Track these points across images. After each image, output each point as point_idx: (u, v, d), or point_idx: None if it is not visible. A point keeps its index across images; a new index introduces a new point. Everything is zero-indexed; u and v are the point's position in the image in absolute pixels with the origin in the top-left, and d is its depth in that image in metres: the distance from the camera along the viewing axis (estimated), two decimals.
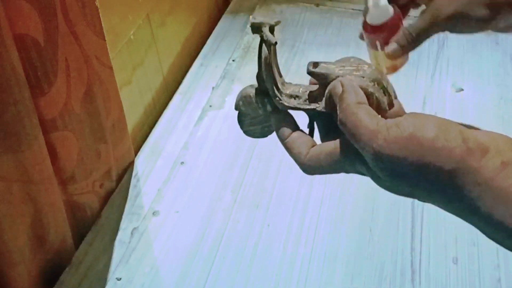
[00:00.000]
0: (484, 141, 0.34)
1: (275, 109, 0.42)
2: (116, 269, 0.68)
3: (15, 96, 0.52)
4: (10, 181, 0.56)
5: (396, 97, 0.42)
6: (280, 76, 0.43)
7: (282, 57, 0.98)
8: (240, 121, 0.45)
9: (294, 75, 0.94)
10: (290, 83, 0.44)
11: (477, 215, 0.34)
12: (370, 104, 0.38)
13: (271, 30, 0.43)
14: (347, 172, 0.39)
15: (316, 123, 0.45)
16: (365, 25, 0.66)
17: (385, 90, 0.40)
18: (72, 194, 0.69)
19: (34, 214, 0.61)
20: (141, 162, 0.81)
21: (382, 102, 0.39)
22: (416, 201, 0.73)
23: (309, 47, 1.00)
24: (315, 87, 0.43)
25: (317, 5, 1.10)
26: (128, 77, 0.83)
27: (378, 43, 0.67)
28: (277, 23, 0.43)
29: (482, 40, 0.99)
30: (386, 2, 0.64)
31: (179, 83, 0.95)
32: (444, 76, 0.88)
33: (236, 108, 0.44)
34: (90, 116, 0.67)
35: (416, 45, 0.56)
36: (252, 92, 0.43)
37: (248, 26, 1.05)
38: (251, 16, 0.42)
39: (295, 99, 0.42)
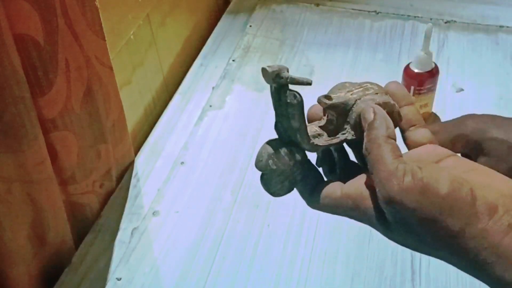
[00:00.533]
0: (493, 200, 0.33)
1: (304, 157, 0.41)
2: (116, 269, 0.68)
3: (15, 96, 0.52)
4: (10, 181, 0.56)
5: (410, 103, 0.43)
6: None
7: (282, 57, 0.98)
8: (267, 182, 0.42)
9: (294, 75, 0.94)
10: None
11: (485, 276, 0.34)
12: (391, 114, 0.40)
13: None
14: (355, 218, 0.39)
15: (338, 155, 0.44)
16: (407, 70, 0.79)
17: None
18: (72, 194, 0.69)
19: (34, 214, 0.61)
20: (141, 162, 0.81)
21: (399, 111, 0.41)
22: None
23: (309, 47, 1.00)
24: (322, 122, 0.43)
25: (317, 5, 1.10)
26: (128, 77, 0.83)
27: (412, 87, 0.78)
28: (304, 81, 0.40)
29: (482, 40, 0.99)
30: (431, 56, 0.76)
31: (179, 83, 0.95)
32: (444, 76, 0.88)
33: (264, 169, 0.41)
34: (90, 116, 0.67)
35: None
36: (276, 147, 0.41)
37: (249, 26, 1.06)
38: (268, 69, 0.39)
39: (319, 138, 0.42)
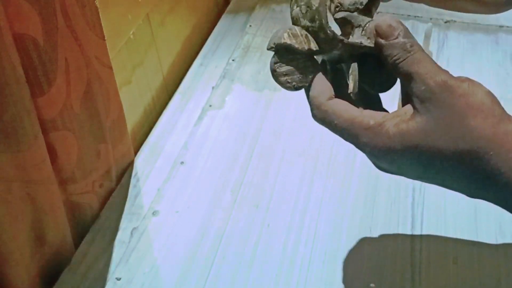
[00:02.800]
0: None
1: (319, 51, 0.40)
2: (116, 269, 0.68)
3: (15, 96, 0.52)
4: (9, 181, 0.56)
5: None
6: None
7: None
8: (278, 65, 0.41)
9: None
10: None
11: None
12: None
13: None
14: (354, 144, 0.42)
15: (344, 69, 0.45)
16: None
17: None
18: (72, 194, 0.68)
19: (34, 214, 0.61)
20: (140, 162, 0.81)
21: None
22: (416, 201, 0.73)
23: None
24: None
25: None
26: (128, 77, 0.83)
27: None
28: None
29: (482, 40, 0.99)
30: (431, 56, 0.75)
31: (179, 83, 0.95)
32: None
33: (278, 41, 0.39)
34: (90, 116, 0.67)
35: None
36: (294, 28, 0.39)
37: (249, 25, 1.05)
38: (282, 33, 0.39)
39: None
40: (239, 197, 0.75)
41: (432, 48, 0.82)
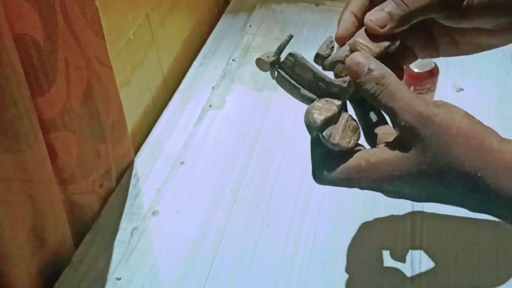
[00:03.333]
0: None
1: (343, 100, 0.43)
2: (116, 269, 0.68)
3: (15, 96, 0.52)
4: (9, 181, 0.56)
5: None
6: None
7: (282, 57, 0.98)
8: (329, 134, 0.44)
9: None
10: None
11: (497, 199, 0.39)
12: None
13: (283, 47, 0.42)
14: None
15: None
16: (407, 69, 0.79)
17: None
18: (72, 194, 0.69)
19: (34, 214, 0.61)
20: (140, 162, 0.81)
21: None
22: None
23: (309, 47, 1.00)
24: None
25: (317, 4, 1.10)
26: (128, 77, 0.83)
27: (412, 87, 0.79)
28: (289, 37, 0.43)
29: None
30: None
31: (179, 83, 0.95)
32: (444, 76, 0.88)
33: (314, 124, 0.44)
34: (90, 116, 0.67)
35: (407, 22, 0.46)
36: (313, 105, 0.43)
37: (249, 25, 1.06)
38: (260, 57, 0.42)
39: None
40: (239, 197, 0.75)
41: None
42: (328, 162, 0.45)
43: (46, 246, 0.64)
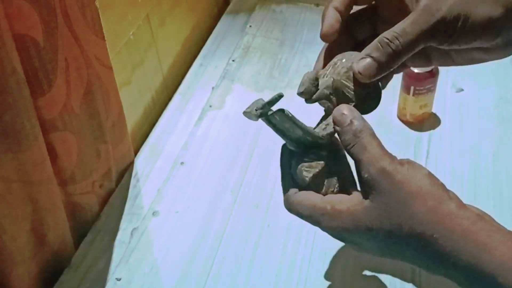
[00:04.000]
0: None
1: (326, 150, 0.45)
2: (116, 269, 0.68)
3: (15, 96, 0.52)
4: (9, 182, 0.56)
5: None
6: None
7: (282, 57, 0.98)
8: (317, 185, 0.46)
9: (294, 75, 0.94)
10: (311, 127, 0.47)
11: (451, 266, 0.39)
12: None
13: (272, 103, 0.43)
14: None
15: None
16: (407, 70, 0.79)
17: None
18: (72, 194, 0.69)
19: (34, 214, 0.61)
20: (140, 162, 0.81)
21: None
22: None
23: (308, 47, 1.00)
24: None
25: (317, 5, 1.10)
26: (128, 77, 0.83)
27: (412, 88, 0.78)
28: (279, 96, 0.44)
29: None
30: None
31: (178, 83, 0.95)
32: (444, 76, 0.88)
33: (304, 182, 0.46)
34: (90, 116, 0.67)
35: (396, 62, 0.43)
36: (301, 159, 0.45)
37: (249, 26, 1.06)
38: (247, 110, 0.43)
39: (327, 127, 0.46)
40: (239, 197, 0.75)
41: None
42: (298, 194, 0.47)
43: (46, 247, 0.64)
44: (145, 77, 0.88)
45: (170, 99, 0.92)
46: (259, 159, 0.80)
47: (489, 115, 0.85)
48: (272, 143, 0.86)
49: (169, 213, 0.74)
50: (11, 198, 0.57)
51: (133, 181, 0.78)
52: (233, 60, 0.98)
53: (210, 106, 0.89)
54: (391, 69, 0.44)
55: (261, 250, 0.69)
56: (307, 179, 0.44)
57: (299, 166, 0.44)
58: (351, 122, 0.43)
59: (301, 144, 0.45)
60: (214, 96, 0.91)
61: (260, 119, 0.42)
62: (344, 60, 0.45)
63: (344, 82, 0.45)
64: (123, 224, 0.73)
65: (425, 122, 0.83)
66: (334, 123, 0.44)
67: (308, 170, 0.44)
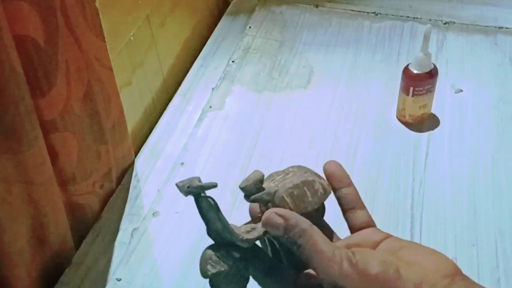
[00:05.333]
0: (417, 279, 0.36)
1: (243, 253, 0.42)
2: (116, 269, 0.68)
3: (15, 97, 0.52)
4: (10, 182, 0.56)
5: (349, 184, 0.46)
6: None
7: (282, 58, 0.98)
8: (216, 286, 0.43)
9: (293, 76, 0.94)
10: (235, 226, 0.44)
11: None
12: (317, 189, 0.43)
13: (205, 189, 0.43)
14: None
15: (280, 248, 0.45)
16: (406, 70, 0.79)
17: (318, 176, 0.44)
18: (72, 195, 0.69)
19: (34, 215, 0.61)
20: (141, 163, 0.81)
21: (325, 184, 0.44)
22: (415, 201, 0.73)
23: (308, 48, 1.00)
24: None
25: (317, 6, 1.10)
26: (128, 78, 0.83)
27: (411, 89, 0.79)
28: (211, 186, 0.42)
29: (481, 41, 0.99)
30: (430, 57, 0.77)
31: (179, 84, 0.95)
32: (443, 77, 0.88)
33: (205, 275, 0.42)
34: (90, 117, 0.67)
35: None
36: (212, 252, 0.42)
37: (249, 27, 1.06)
38: (180, 184, 0.41)
39: (253, 231, 0.43)
40: (239, 197, 0.75)
41: (431, 50, 0.83)
42: None
43: (46, 247, 0.65)
44: (145, 78, 0.88)
45: (170, 100, 0.92)
46: (259, 160, 0.80)
47: (488, 116, 0.85)
48: (272, 143, 0.86)
49: (169, 213, 0.74)
50: (12, 199, 0.57)
51: (133, 182, 0.79)
52: (233, 61, 0.98)
53: (210, 107, 0.89)
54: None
55: None
56: (208, 273, 0.42)
57: (206, 255, 0.42)
58: (287, 226, 0.39)
59: (219, 237, 0.42)
60: (214, 97, 0.91)
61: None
62: (295, 176, 0.44)
63: (285, 198, 0.43)
64: (124, 224, 0.73)
65: (424, 123, 0.83)
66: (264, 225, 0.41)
67: (214, 266, 0.42)
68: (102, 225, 0.73)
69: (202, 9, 1.09)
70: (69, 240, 0.69)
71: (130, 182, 0.78)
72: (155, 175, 0.79)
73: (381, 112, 0.86)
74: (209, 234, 0.43)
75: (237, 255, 0.42)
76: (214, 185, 0.42)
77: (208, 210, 0.43)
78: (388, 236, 0.42)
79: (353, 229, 0.44)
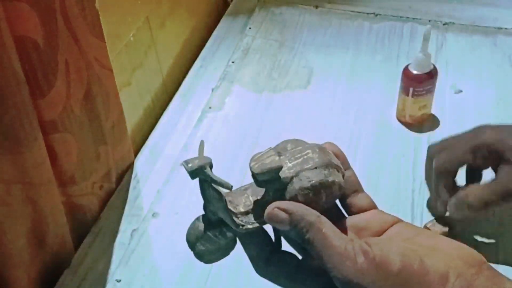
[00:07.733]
0: (443, 267, 0.33)
1: (236, 233, 0.40)
2: (116, 270, 0.68)
3: (15, 98, 0.52)
4: (9, 183, 0.56)
5: (348, 167, 0.42)
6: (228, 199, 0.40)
7: (282, 59, 0.98)
8: (199, 257, 0.42)
9: (293, 76, 0.94)
10: (235, 193, 0.41)
11: None
12: (334, 191, 0.39)
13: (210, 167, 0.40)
14: None
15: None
16: (406, 71, 0.79)
17: (338, 168, 0.40)
18: (72, 196, 0.69)
19: (34, 216, 0.61)
20: (140, 163, 0.81)
21: (342, 183, 0.39)
22: (415, 202, 0.73)
23: (308, 49, 1.00)
24: (261, 193, 0.41)
25: (316, 7, 1.10)
26: (128, 78, 0.83)
27: (411, 89, 0.79)
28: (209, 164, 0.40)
29: (481, 41, 0.99)
30: (430, 58, 0.77)
31: (178, 84, 0.95)
32: (443, 78, 0.88)
33: (193, 249, 0.41)
34: (90, 117, 0.67)
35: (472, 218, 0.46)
36: (202, 227, 0.41)
37: (248, 27, 1.06)
38: (184, 163, 0.39)
39: (250, 215, 0.40)
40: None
41: (431, 50, 0.82)
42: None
43: (46, 248, 0.64)
44: (145, 78, 0.88)
45: (169, 100, 0.92)
46: None
47: (488, 116, 0.85)
48: (272, 144, 0.86)
49: (169, 214, 0.74)
50: (11, 200, 0.57)
51: (133, 183, 0.78)
52: (232, 62, 0.98)
53: (210, 108, 0.89)
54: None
55: None
56: (197, 249, 0.41)
57: (197, 231, 0.41)
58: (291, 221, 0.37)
59: (215, 217, 0.41)
60: (213, 97, 0.91)
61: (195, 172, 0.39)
62: (314, 165, 0.39)
63: (298, 197, 0.39)
64: (123, 225, 0.73)
65: (424, 124, 0.83)
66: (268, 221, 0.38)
67: (204, 243, 0.41)
68: (101, 226, 0.73)
69: (201, 9, 1.09)
70: (68, 240, 0.69)
71: (129, 182, 0.78)
72: (154, 176, 0.79)
73: (381, 112, 0.86)
74: (204, 210, 0.41)
75: (230, 234, 0.41)
76: (228, 187, 0.40)
77: (212, 198, 0.40)
78: (397, 220, 0.39)
79: (353, 212, 0.42)
